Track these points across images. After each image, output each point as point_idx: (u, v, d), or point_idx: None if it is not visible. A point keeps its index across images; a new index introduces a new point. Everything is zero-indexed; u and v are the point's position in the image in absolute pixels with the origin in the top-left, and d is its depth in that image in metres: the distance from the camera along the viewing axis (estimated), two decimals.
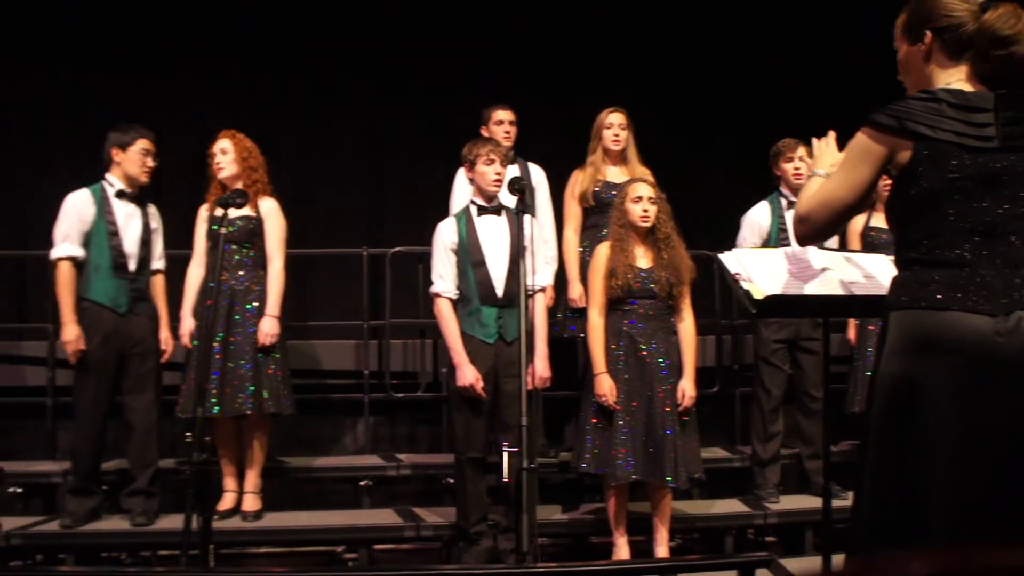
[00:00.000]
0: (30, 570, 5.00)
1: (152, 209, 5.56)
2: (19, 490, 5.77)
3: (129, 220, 5.41)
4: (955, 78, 2.72)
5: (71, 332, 5.25)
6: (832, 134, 3.18)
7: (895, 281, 2.74)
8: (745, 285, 3.59)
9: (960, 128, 2.62)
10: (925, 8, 2.76)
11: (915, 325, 2.63)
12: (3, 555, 4.99)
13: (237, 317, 5.29)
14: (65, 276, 5.30)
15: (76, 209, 5.34)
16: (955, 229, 2.63)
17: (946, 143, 2.61)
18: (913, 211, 2.68)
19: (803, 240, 2.87)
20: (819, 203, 2.77)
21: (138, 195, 5.47)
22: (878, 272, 3.55)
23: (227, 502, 5.43)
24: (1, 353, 6.80)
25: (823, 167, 3.03)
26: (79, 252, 5.32)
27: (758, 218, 5.78)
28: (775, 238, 5.70)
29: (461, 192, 5.70)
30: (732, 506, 5.74)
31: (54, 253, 5.33)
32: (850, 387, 5.94)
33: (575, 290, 5.76)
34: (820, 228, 2.81)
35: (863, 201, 2.76)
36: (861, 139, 2.70)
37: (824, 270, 3.62)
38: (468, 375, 4.85)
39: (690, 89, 7.92)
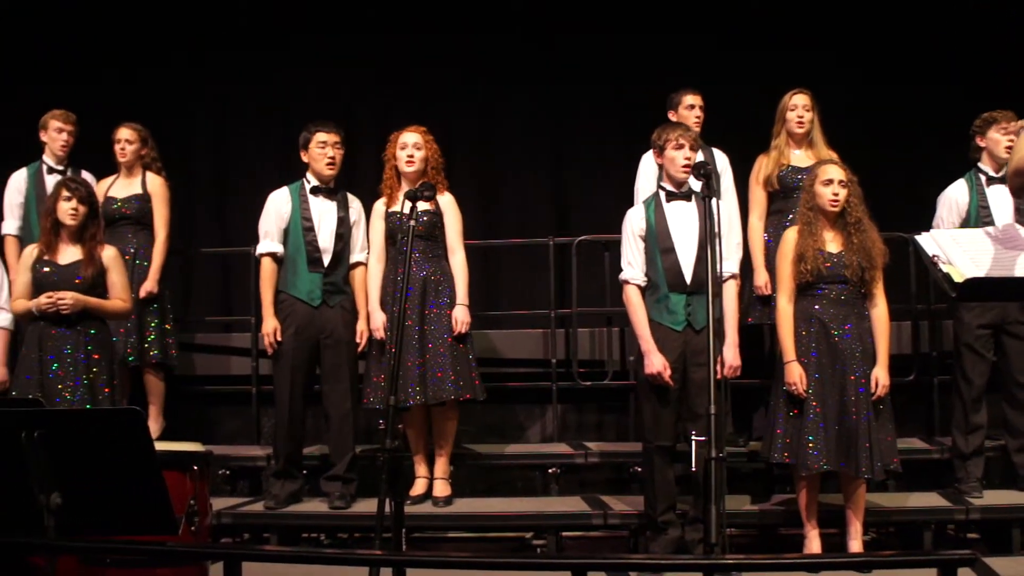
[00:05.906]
0: (238, 547, 5.27)
1: (353, 203, 5.72)
2: (227, 472, 6.12)
3: (324, 215, 5.60)
4: None
5: (269, 325, 5.52)
6: None
7: None
8: (944, 268, 3.45)
9: None
10: None
11: None
12: (214, 533, 5.28)
13: (431, 308, 5.41)
14: (267, 271, 5.56)
15: (275, 207, 5.60)
16: None
17: None
18: None
19: (1021, 191, 2.82)
20: None
21: (332, 189, 5.66)
22: None
23: (419, 488, 5.58)
24: (210, 344, 7.19)
25: None
26: (279, 248, 5.56)
27: (956, 196, 5.55)
28: (975, 217, 5.45)
29: (645, 178, 5.66)
30: (931, 500, 5.53)
31: (257, 250, 5.65)
32: None
33: (760, 277, 5.67)
34: None
35: None
36: None
37: None
38: (656, 363, 4.82)
39: (881, 70, 7.65)
